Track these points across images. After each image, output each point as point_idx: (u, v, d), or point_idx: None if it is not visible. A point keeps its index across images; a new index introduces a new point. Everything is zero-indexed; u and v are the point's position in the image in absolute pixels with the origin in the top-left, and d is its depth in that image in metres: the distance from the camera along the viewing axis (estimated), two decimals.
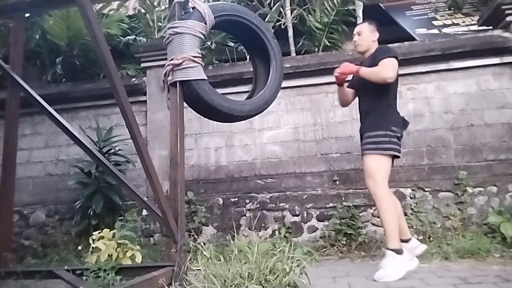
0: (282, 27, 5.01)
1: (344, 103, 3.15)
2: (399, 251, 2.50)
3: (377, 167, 2.63)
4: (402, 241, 2.76)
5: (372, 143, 2.68)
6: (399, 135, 2.69)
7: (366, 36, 2.89)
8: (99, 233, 2.88)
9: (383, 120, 2.70)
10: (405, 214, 3.71)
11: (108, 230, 2.96)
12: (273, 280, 2.03)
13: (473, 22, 5.40)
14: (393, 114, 2.75)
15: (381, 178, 2.61)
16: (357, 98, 3.03)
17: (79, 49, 4.51)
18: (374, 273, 2.48)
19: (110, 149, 4.10)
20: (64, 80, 5.02)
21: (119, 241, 2.82)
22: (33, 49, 4.67)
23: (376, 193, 2.61)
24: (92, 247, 2.73)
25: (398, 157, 2.77)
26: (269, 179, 4.20)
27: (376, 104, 2.76)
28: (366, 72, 2.70)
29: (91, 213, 3.84)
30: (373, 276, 2.47)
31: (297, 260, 2.22)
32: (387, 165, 2.66)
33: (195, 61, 2.42)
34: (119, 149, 4.15)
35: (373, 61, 2.72)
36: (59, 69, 4.77)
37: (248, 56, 4.01)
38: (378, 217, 3.75)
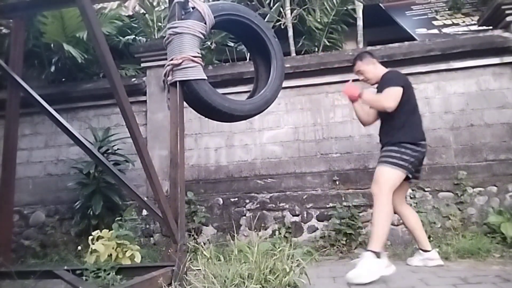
0: (282, 27, 5.00)
1: (365, 122, 3.07)
2: (378, 255, 2.44)
3: (386, 176, 2.65)
4: (423, 250, 2.87)
5: (385, 156, 2.73)
6: (414, 153, 2.70)
7: (368, 70, 2.93)
8: (98, 233, 2.88)
9: (397, 137, 2.75)
10: None
11: (107, 230, 2.96)
12: (273, 280, 2.03)
13: (473, 22, 5.40)
14: (408, 131, 2.75)
15: (387, 187, 2.62)
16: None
17: (75, 49, 4.50)
18: None
19: (108, 149, 4.09)
20: (62, 80, 5.02)
21: (118, 242, 2.82)
22: (31, 49, 4.67)
23: (379, 198, 2.61)
24: (91, 249, 2.73)
25: (416, 177, 2.86)
26: (269, 179, 4.20)
27: (391, 121, 2.81)
28: (368, 98, 2.80)
29: (91, 213, 3.83)
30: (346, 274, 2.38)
31: (297, 260, 2.22)
32: (396, 178, 2.66)
33: (194, 61, 2.42)
34: (118, 149, 4.15)
35: (380, 88, 2.79)
36: (54, 69, 4.76)
37: (249, 55, 4.01)
38: None
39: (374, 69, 2.92)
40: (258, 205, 4.09)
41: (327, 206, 3.93)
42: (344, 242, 3.61)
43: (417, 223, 2.91)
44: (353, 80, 3.02)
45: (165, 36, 2.58)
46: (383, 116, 2.88)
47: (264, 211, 4.06)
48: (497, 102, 3.92)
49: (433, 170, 3.89)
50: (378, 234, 2.51)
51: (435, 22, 5.75)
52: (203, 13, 2.49)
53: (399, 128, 2.76)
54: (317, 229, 3.90)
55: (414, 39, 4.97)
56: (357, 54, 3.11)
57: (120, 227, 3.07)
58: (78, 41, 4.65)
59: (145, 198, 2.67)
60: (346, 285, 2.42)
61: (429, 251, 2.84)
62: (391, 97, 2.69)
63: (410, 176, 2.74)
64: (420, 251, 2.88)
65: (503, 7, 3.94)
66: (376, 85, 2.91)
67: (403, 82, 2.76)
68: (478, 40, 3.99)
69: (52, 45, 4.57)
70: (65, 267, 2.46)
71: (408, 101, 2.77)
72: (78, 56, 4.40)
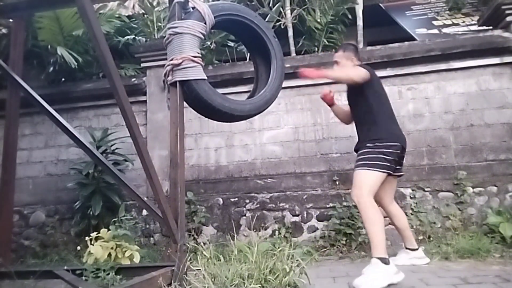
0: (282, 27, 5.00)
1: (346, 121, 3.18)
2: (385, 261, 2.34)
3: (364, 180, 2.57)
4: (408, 249, 2.91)
5: (360, 160, 2.66)
6: (391, 150, 2.60)
7: (343, 64, 2.85)
8: (97, 233, 2.88)
9: (368, 136, 2.69)
10: (405, 214, 3.71)
11: (106, 230, 2.96)
12: (273, 280, 2.03)
13: (473, 22, 5.40)
14: (380, 129, 2.67)
15: (367, 189, 2.53)
16: None
17: (73, 50, 4.50)
18: None
19: (106, 149, 4.09)
20: (62, 80, 5.01)
21: (117, 242, 2.82)
22: (31, 49, 4.67)
23: (360, 202, 2.53)
24: (89, 252, 2.73)
25: (398, 173, 2.81)
26: (269, 179, 4.20)
27: (363, 120, 2.80)
28: (332, 72, 2.75)
29: (91, 213, 3.83)
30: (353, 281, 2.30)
31: (297, 260, 2.22)
32: (376, 180, 2.58)
33: (194, 61, 2.42)
34: (116, 148, 4.15)
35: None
36: (53, 69, 4.76)
37: (249, 55, 4.01)
38: None
39: (350, 64, 2.84)
40: (258, 205, 4.09)
41: (327, 206, 3.93)
42: (344, 242, 3.61)
43: (406, 223, 2.95)
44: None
45: (165, 36, 2.58)
46: (355, 114, 2.89)
47: (264, 211, 4.06)
48: (497, 102, 3.92)
49: (433, 170, 3.89)
50: (375, 240, 2.42)
51: (435, 22, 5.75)
52: (203, 13, 2.49)
53: (372, 124, 2.70)
54: (317, 229, 3.90)
55: (414, 39, 4.97)
56: (344, 43, 3.08)
57: (119, 227, 3.06)
58: (76, 40, 4.64)
59: (145, 198, 2.67)
60: (346, 285, 2.42)
61: (416, 249, 2.89)
62: (358, 71, 2.67)
63: (392, 173, 2.67)
64: (408, 250, 2.92)
65: (503, 7, 3.95)
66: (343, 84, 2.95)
67: (371, 72, 2.72)
68: (478, 40, 3.99)
69: (49, 46, 4.57)
70: (65, 267, 2.47)
71: (376, 94, 2.73)
72: (72, 61, 4.39)
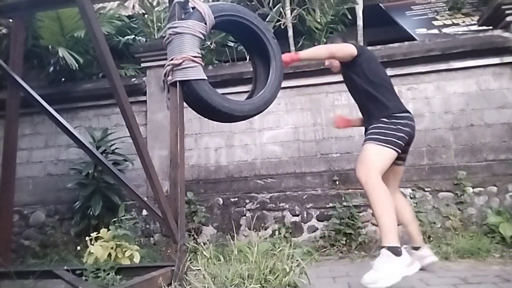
0: (282, 27, 5.00)
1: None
2: (396, 251, 2.09)
3: (373, 155, 2.32)
4: (414, 248, 2.62)
5: (372, 133, 2.42)
6: (404, 121, 2.41)
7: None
8: (97, 234, 2.88)
9: (374, 116, 2.50)
10: None
11: (106, 230, 2.96)
12: (273, 280, 2.03)
13: (473, 22, 5.40)
14: (389, 103, 2.47)
15: (377, 168, 2.27)
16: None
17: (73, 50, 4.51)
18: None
19: (106, 149, 4.09)
20: (62, 80, 5.02)
21: (117, 242, 2.82)
22: (31, 49, 4.67)
23: (367, 183, 2.26)
24: (89, 251, 2.73)
25: (402, 158, 2.55)
26: (269, 179, 4.20)
27: (366, 102, 2.60)
28: (306, 52, 2.62)
29: (91, 213, 3.84)
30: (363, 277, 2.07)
31: (297, 260, 2.22)
32: (386, 157, 2.34)
33: (194, 61, 2.41)
34: (116, 148, 4.15)
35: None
36: (53, 69, 4.76)
37: (248, 56, 4.00)
38: None
39: (335, 60, 2.72)
40: (258, 205, 4.09)
41: (327, 206, 3.93)
42: (344, 242, 3.61)
43: (412, 217, 2.69)
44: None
45: (165, 36, 2.57)
46: (359, 100, 2.68)
47: (264, 211, 4.06)
48: (497, 102, 3.92)
49: (433, 170, 3.89)
50: (385, 226, 2.14)
51: (435, 22, 5.75)
52: (204, 13, 2.49)
53: (376, 101, 2.49)
54: (317, 229, 3.90)
55: (414, 39, 4.97)
56: (329, 38, 3.01)
57: (119, 227, 3.07)
58: (77, 41, 4.65)
59: (145, 198, 2.67)
60: (347, 285, 2.42)
61: (419, 247, 2.63)
62: (340, 46, 2.57)
63: (399, 151, 2.39)
64: (411, 250, 2.61)
65: (503, 7, 3.95)
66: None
67: (359, 47, 2.59)
68: (478, 40, 3.99)
69: (50, 46, 4.57)
70: (65, 267, 2.46)
71: (372, 71, 2.55)
72: (73, 62, 4.39)
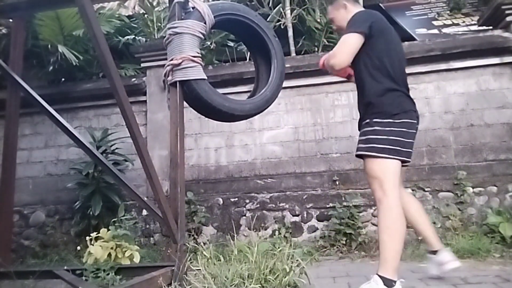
0: (282, 27, 5.00)
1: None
2: (389, 283, 1.91)
3: (385, 171, 2.02)
4: (429, 252, 2.39)
5: (361, 141, 2.13)
6: (393, 128, 2.01)
7: (338, 17, 2.36)
8: (97, 234, 2.88)
9: (368, 113, 2.12)
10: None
11: (106, 230, 2.96)
12: (273, 280, 2.03)
13: (473, 22, 5.40)
14: (394, 99, 2.07)
15: (392, 184, 2.00)
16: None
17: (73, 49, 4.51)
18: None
19: (106, 149, 4.09)
20: (62, 80, 5.02)
21: (117, 242, 2.81)
22: (30, 49, 4.67)
23: (382, 201, 2.02)
24: (89, 252, 2.73)
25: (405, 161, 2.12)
26: (269, 179, 4.20)
27: (362, 93, 2.21)
28: (328, 60, 2.18)
29: (91, 213, 3.84)
30: (370, 276, 2.05)
31: (297, 260, 2.22)
32: (396, 168, 2.03)
33: (194, 61, 2.41)
34: (116, 148, 4.15)
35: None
36: (53, 69, 4.76)
37: (250, 55, 4.01)
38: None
39: (345, 14, 2.27)
40: (258, 205, 4.09)
41: (327, 206, 3.92)
42: (344, 242, 3.61)
43: (420, 215, 2.33)
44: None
45: (165, 36, 2.58)
46: (356, 80, 2.26)
47: (264, 211, 4.06)
48: (497, 102, 3.92)
49: (433, 170, 3.89)
50: (385, 255, 1.95)
51: (435, 22, 5.75)
52: (203, 13, 2.49)
53: (380, 95, 2.07)
54: (317, 229, 3.90)
55: (414, 39, 4.97)
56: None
57: (118, 227, 3.06)
58: (76, 40, 4.64)
59: (145, 198, 2.67)
60: (346, 285, 2.42)
61: (436, 250, 2.31)
62: (339, 50, 2.07)
63: (397, 157, 2.03)
64: (428, 254, 2.38)
65: (503, 7, 3.94)
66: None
67: (368, 25, 2.07)
68: (478, 40, 3.99)
69: (49, 45, 4.57)
70: (65, 267, 2.46)
71: (382, 52, 2.10)
72: (73, 58, 4.39)
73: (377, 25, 2.12)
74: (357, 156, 2.20)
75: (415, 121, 2.14)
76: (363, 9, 2.34)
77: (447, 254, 2.28)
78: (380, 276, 1.93)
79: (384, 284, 1.90)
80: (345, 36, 2.10)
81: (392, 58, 2.13)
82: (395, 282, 1.92)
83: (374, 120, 2.08)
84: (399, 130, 2.03)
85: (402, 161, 2.07)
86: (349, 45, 2.08)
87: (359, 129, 2.25)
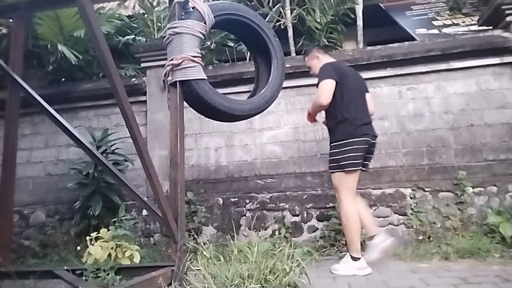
0: (282, 27, 5.00)
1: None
2: (355, 259, 2.74)
3: (340, 182, 2.85)
4: (368, 239, 2.94)
5: (331, 161, 2.90)
6: (352, 147, 2.78)
7: (313, 65, 3.15)
8: (97, 234, 2.88)
9: (333, 137, 2.93)
10: (405, 214, 3.73)
11: (106, 230, 2.96)
12: (273, 280, 2.03)
13: (473, 22, 5.40)
14: (342, 127, 2.85)
15: (346, 191, 2.81)
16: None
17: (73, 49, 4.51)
18: (375, 273, 2.52)
19: (106, 149, 4.09)
20: (62, 80, 5.02)
21: (117, 242, 2.81)
22: (30, 49, 4.67)
23: (341, 201, 2.85)
24: (89, 252, 2.73)
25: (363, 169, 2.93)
26: (269, 179, 4.20)
27: (330, 123, 3.00)
28: (311, 107, 3.05)
29: (91, 213, 3.83)
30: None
31: (297, 260, 2.22)
32: (350, 179, 2.82)
33: (194, 61, 2.41)
34: (116, 148, 4.15)
35: (317, 84, 2.95)
36: (52, 69, 4.76)
37: (250, 55, 4.01)
38: (378, 217, 3.78)
39: (318, 63, 3.07)
40: (258, 205, 4.09)
41: (327, 206, 3.93)
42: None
43: (364, 208, 2.97)
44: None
45: (165, 36, 2.58)
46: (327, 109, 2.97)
47: (264, 211, 4.06)
48: (497, 102, 3.92)
49: (433, 170, 3.89)
50: (348, 239, 2.81)
51: (435, 22, 5.75)
52: (203, 13, 2.49)
53: (336, 127, 2.89)
54: (317, 229, 3.90)
55: (414, 39, 4.97)
56: (307, 49, 3.34)
57: (118, 227, 3.06)
58: (76, 40, 4.64)
59: (145, 198, 2.67)
60: (347, 284, 2.42)
61: (373, 235, 2.81)
62: (322, 92, 2.84)
63: (357, 168, 2.82)
64: (367, 242, 2.95)
65: (503, 7, 3.94)
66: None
67: (334, 74, 2.85)
68: (478, 40, 3.99)
69: (49, 45, 4.57)
70: (65, 267, 2.46)
71: (343, 93, 2.86)
72: (72, 57, 4.39)
73: (340, 71, 2.90)
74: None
75: (364, 142, 2.83)
76: (331, 59, 3.13)
77: (382, 236, 2.80)
78: (350, 255, 2.77)
79: (352, 259, 2.75)
80: (321, 83, 2.85)
81: (353, 95, 2.89)
82: (359, 258, 2.74)
83: (331, 144, 2.94)
84: (348, 150, 2.79)
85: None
86: (327, 88, 2.83)
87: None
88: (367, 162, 2.96)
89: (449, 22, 5.70)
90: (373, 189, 3.91)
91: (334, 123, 2.91)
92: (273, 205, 4.06)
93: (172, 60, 2.44)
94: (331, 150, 2.90)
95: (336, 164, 2.83)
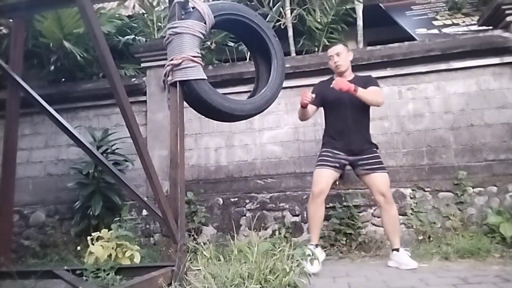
0: (282, 27, 5.00)
1: (305, 119, 3.29)
2: (313, 246, 2.96)
3: (388, 182, 3.04)
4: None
5: (379, 162, 3.06)
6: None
7: (346, 56, 3.12)
8: (99, 234, 2.88)
9: (368, 141, 3.12)
10: (405, 214, 3.73)
11: (107, 230, 2.96)
12: (273, 280, 2.03)
13: (473, 22, 5.40)
14: (371, 136, 3.20)
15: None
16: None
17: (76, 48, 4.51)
18: (375, 273, 2.49)
19: (107, 149, 4.09)
20: (62, 80, 5.02)
21: (118, 242, 2.82)
22: (31, 49, 4.67)
23: (392, 203, 3.04)
24: (90, 251, 2.73)
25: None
26: (269, 179, 4.20)
27: (364, 122, 3.13)
28: (364, 92, 2.93)
29: (91, 213, 3.83)
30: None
31: (297, 260, 2.22)
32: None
33: (194, 61, 2.42)
34: (116, 148, 4.15)
35: (364, 85, 2.98)
36: (53, 69, 4.76)
37: (250, 55, 4.01)
38: (378, 217, 3.78)
39: (349, 59, 3.16)
40: (258, 205, 4.09)
41: (327, 206, 3.89)
42: (344, 242, 3.61)
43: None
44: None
45: (165, 36, 2.58)
46: (350, 116, 3.07)
47: (264, 211, 4.06)
48: (497, 102, 3.92)
49: (433, 170, 3.90)
50: (399, 231, 3.10)
51: (435, 22, 5.75)
52: (203, 13, 2.49)
53: (367, 130, 3.15)
54: None
55: (414, 39, 4.96)
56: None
57: (119, 227, 3.07)
58: (77, 39, 4.64)
59: (145, 198, 2.67)
60: (347, 285, 2.42)
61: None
62: (381, 95, 3.07)
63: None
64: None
65: (503, 7, 3.94)
66: (339, 74, 3.14)
67: None
68: (478, 40, 3.99)
69: (51, 44, 4.57)
70: (65, 267, 2.46)
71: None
72: (78, 52, 4.40)
73: None
74: None
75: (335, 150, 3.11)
76: None
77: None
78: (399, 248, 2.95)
79: (312, 245, 2.96)
80: (378, 88, 3.07)
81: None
82: (317, 245, 3.01)
83: (373, 148, 3.15)
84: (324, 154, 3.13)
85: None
86: (382, 93, 3.15)
87: None
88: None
89: (449, 22, 5.70)
90: None
91: (367, 130, 3.16)
92: (273, 205, 4.06)
93: (172, 60, 2.44)
94: (375, 154, 3.06)
95: (383, 165, 3.05)
